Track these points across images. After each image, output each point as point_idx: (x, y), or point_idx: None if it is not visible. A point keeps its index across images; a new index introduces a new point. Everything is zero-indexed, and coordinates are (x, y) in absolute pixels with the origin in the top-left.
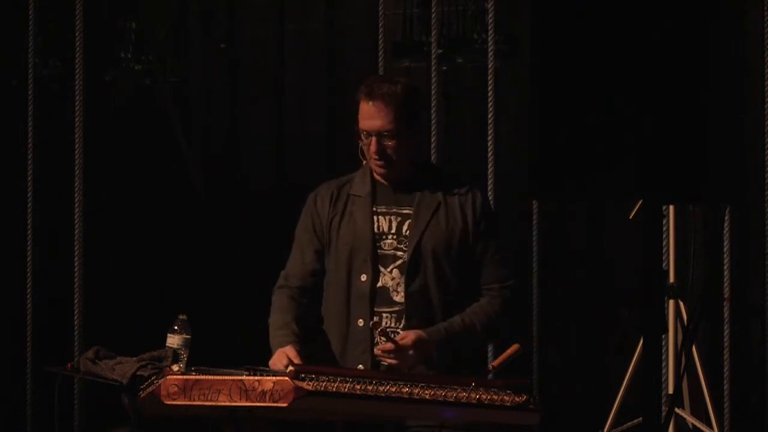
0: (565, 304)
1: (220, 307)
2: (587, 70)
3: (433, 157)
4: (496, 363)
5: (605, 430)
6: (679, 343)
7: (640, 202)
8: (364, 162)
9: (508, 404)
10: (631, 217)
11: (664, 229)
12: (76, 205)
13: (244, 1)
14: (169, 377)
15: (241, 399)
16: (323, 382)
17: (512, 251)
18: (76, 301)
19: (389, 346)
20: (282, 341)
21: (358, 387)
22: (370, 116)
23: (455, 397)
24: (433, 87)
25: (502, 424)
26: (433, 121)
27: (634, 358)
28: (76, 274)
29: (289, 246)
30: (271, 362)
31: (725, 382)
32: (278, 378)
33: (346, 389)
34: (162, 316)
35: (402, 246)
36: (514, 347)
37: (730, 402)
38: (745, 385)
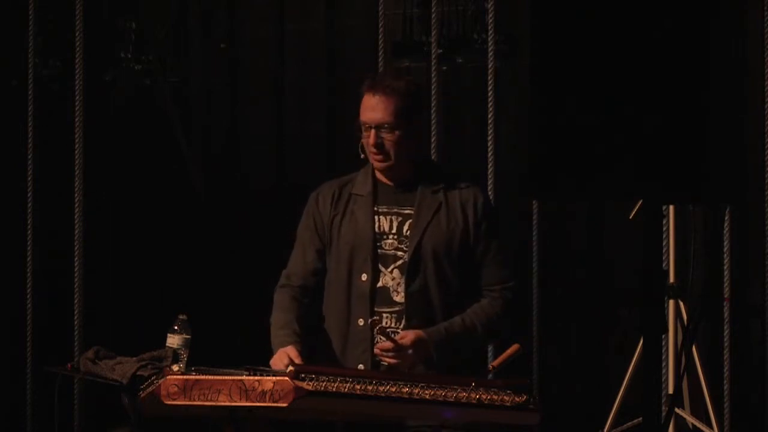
0: (565, 304)
1: (220, 307)
2: (587, 70)
3: (433, 157)
4: (496, 363)
5: (605, 430)
6: (679, 343)
7: (640, 202)
8: (362, 155)
9: (508, 404)
10: (631, 217)
11: (664, 229)
12: (76, 205)
13: (244, 1)
14: (169, 377)
15: (241, 399)
16: (323, 382)
17: (512, 251)
18: (76, 301)
19: (388, 345)
20: (283, 341)
21: (358, 387)
22: (371, 108)
23: (455, 397)
24: (433, 87)
25: (502, 424)
26: (433, 121)
27: (634, 358)
28: (76, 274)
29: (290, 246)
30: (272, 362)
31: (725, 382)
32: (278, 378)
33: (346, 389)
34: (162, 316)
35: (403, 246)
36: (514, 347)
37: (730, 402)
38: (745, 385)
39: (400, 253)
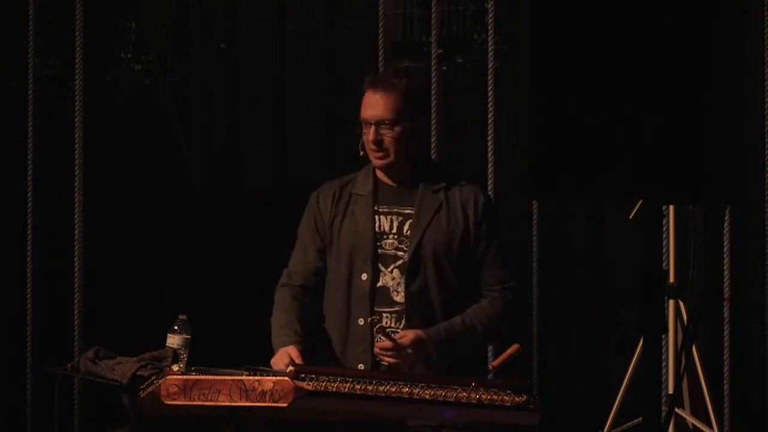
0: (565, 304)
1: (220, 307)
2: (587, 70)
3: (433, 157)
4: (496, 363)
5: (605, 430)
6: (679, 343)
7: (640, 202)
8: (362, 153)
9: (508, 404)
10: (631, 217)
11: (664, 229)
12: (76, 205)
13: (244, 1)
14: (169, 377)
15: (241, 399)
16: (323, 382)
17: (512, 251)
18: (76, 301)
19: (387, 344)
20: (284, 341)
21: (358, 387)
22: (372, 105)
23: (455, 397)
24: (433, 87)
25: (502, 424)
26: (433, 121)
27: (634, 358)
28: (76, 274)
29: (290, 246)
30: (272, 361)
31: (725, 382)
32: (278, 378)
33: (346, 389)
34: (162, 316)
35: (403, 246)
36: (514, 347)
37: (730, 402)
38: (745, 385)
39: (400, 253)
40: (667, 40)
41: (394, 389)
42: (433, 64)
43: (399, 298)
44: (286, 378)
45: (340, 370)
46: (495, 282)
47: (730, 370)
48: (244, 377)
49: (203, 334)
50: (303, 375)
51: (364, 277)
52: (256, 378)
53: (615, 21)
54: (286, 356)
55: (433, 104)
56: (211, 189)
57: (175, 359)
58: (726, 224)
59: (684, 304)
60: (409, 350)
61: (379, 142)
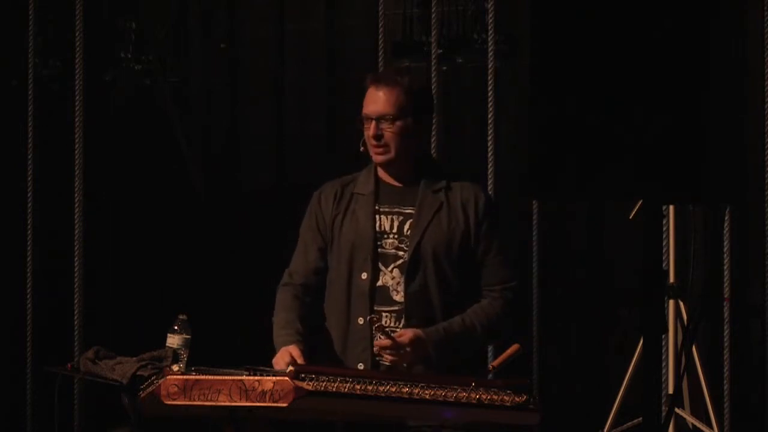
0: (565, 304)
1: (220, 307)
2: (587, 70)
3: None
4: (496, 363)
5: (605, 430)
6: (679, 343)
7: (640, 202)
8: (362, 149)
9: (508, 404)
10: (631, 217)
11: (664, 229)
12: (76, 205)
13: (244, 1)
14: (169, 377)
15: (241, 399)
16: (323, 382)
17: (512, 251)
18: (76, 301)
19: (386, 342)
20: (286, 340)
21: (358, 387)
22: (373, 101)
23: (455, 397)
24: (433, 87)
25: (502, 424)
26: (433, 121)
27: (634, 358)
28: (76, 274)
29: (289, 246)
30: (274, 360)
31: (725, 382)
32: (278, 378)
33: (346, 389)
34: (162, 316)
35: (403, 245)
36: (514, 347)
37: (730, 402)
38: (745, 385)
39: (400, 252)
40: (667, 40)
41: (394, 389)
42: (433, 64)
43: (398, 297)
44: (286, 378)
45: (340, 370)
46: (496, 282)
47: (730, 370)
48: (244, 377)
49: (203, 334)
50: (303, 375)
51: (364, 276)
52: (256, 378)
53: (615, 21)
54: (287, 355)
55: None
56: (211, 189)
57: (175, 359)
58: (726, 224)
59: (684, 304)
60: (408, 349)
61: (379, 137)
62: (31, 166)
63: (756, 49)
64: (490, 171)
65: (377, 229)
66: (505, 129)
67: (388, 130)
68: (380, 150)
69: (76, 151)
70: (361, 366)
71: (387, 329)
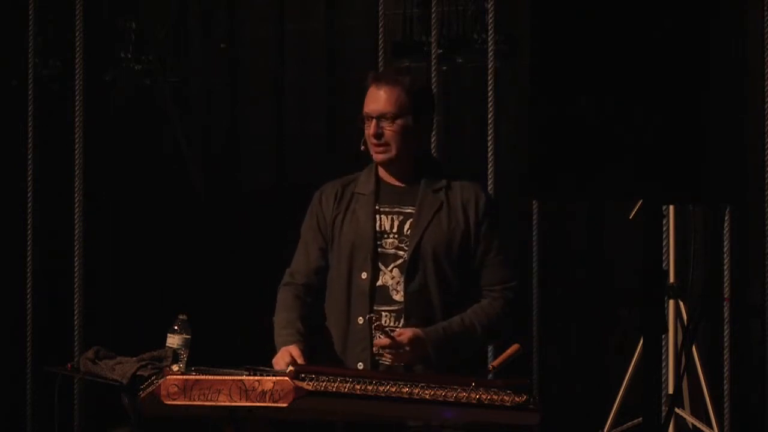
0: (565, 304)
1: (220, 307)
2: (587, 70)
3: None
4: (496, 363)
5: (605, 430)
6: (679, 343)
7: (640, 202)
8: (362, 147)
9: (508, 404)
10: (631, 217)
11: (664, 229)
12: (76, 205)
13: (244, 1)
14: (169, 377)
15: (241, 399)
16: (323, 382)
17: (512, 251)
18: (76, 301)
19: (385, 341)
20: (286, 340)
21: (358, 387)
22: (374, 100)
23: (455, 397)
24: (433, 87)
25: (502, 424)
26: (434, 121)
27: (634, 358)
28: (76, 274)
29: (289, 246)
30: (274, 360)
31: (725, 382)
32: (278, 378)
33: (346, 389)
34: (162, 316)
35: (403, 245)
36: (514, 347)
37: (730, 402)
38: (745, 385)
39: (400, 252)
40: (667, 40)
41: (394, 389)
42: (433, 64)
43: (398, 297)
44: (286, 378)
45: (340, 370)
46: (496, 282)
47: (730, 370)
48: (244, 377)
49: (203, 334)
50: (303, 375)
51: (364, 275)
52: (256, 378)
53: (615, 21)
54: (287, 355)
55: None
56: (211, 189)
57: (175, 359)
58: (726, 224)
59: (684, 304)
60: (407, 348)
61: (379, 136)
62: (31, 166)
63: (756, 49)
64: (490, 171)
65: (377, 228)
66: (505, 129)
67: (389, 129)
68: (380, 149)
69: (76, 151)
70: (360, 366)
71: (387, 329)
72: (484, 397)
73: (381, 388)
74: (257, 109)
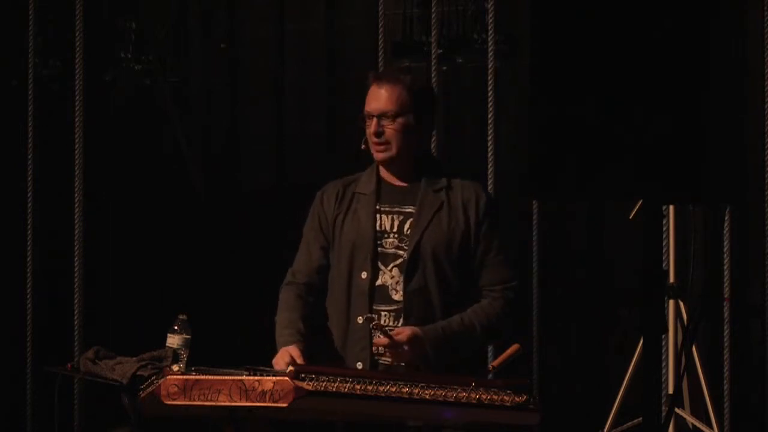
0: (565, 304)
1: (220, 307)
2: (587, 70)
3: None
4: (496, 363)
5: (605, 430)
6: (679, 343)
7: (640, 202)
8: (363, 146)
9: (508, 404)
10: (631, 217)
11: (664, 229)
12: (76, 205)
13: (244, 1)
14: (169, 377)
15: (241, 399)
16: (323, 382)
17: (512, 251)
18: (76, 301)
19: (384, 340)
20: (287, 340)
21: (358, 387)
22: (375, 98)
23: (455, 397)
24: (433, 87)
25: (502, 424)
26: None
27: (634, 358)
28: (76, 274)
29: (289, 246)
30: (274, 360)
31: (725, 382)
32: (278, 378)
33: (346, 389)
34: (162, 316)
35: (403, 245)
36: (514, 347)
37: (730, 402)
38: (745, 385)
39: (400, 252)
40: (667, 40)
41: (394, 389)
42: (433, 64)
43: (398, 296)
44: (286, 378)
45: (340, 370)
46: (496, 282)
47: (730, 370)
48: (244, 377)
49: (203, 334)
50: (303, 375)
51: (364, 275)
52: (256, 378)
53: (615, 21)
54: (287, 355)
55: None
56: (211, 189)
57: (175, 359)
58: (726, 224)
59: (684, 304)
60: (406, 347)
61: (380, 134)
62: (31, 166)
63: (756, 49)
64: (490, 171)
65: (378, 228)
66: (505, 129)
67: (389, 128)
68: (381, 147)
69: (76, 151)
70: (359, 365)
71: (386, 328)
72: (484, 397)
73: (381, 388)
74: (257, 109)
